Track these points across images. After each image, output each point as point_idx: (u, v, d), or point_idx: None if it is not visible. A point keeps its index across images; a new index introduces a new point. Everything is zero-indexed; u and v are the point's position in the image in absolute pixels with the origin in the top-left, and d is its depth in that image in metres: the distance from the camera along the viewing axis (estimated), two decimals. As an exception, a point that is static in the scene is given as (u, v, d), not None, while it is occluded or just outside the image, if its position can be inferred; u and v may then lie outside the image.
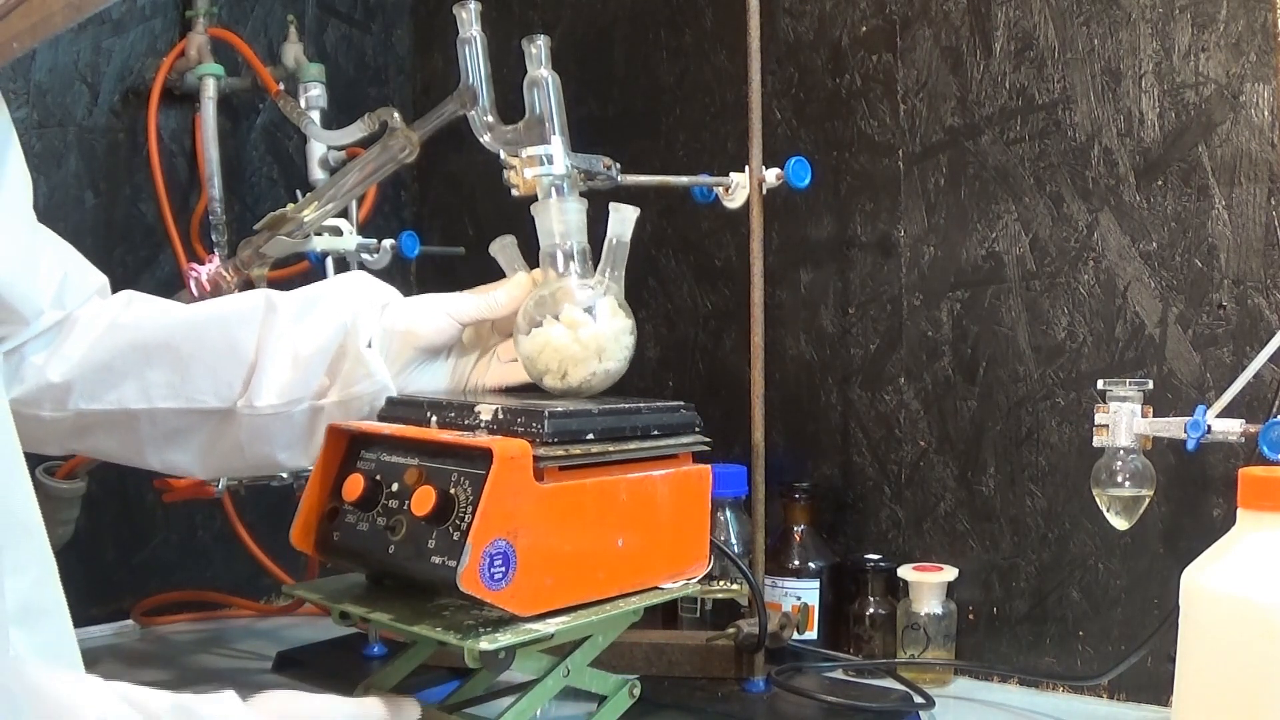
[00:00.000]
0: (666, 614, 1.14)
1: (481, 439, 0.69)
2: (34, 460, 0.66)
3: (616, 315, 0.83)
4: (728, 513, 1.10)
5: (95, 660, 1.15)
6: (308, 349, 0.85)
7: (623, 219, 0.85)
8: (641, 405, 0.77)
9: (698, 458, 0.80)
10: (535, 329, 0.82)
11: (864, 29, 1.16)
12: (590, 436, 0.72)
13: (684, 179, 1.00)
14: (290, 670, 1.11)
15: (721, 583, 1.08)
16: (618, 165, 0.87)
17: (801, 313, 1.21)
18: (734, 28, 1.10)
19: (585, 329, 0.81)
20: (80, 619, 0.61)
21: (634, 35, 1.33)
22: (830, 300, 1.19)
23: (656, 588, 0.76)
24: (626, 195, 0.88)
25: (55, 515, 1.12)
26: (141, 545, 1.32)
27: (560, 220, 0.83)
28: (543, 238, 0.84)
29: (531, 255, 0.87)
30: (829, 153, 1.18)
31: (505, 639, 0.66)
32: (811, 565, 1.12)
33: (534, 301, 0.83)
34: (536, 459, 0.69)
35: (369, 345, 0.85)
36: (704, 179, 1.00)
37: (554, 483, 0.70)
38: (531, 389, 0.85)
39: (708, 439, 0.80)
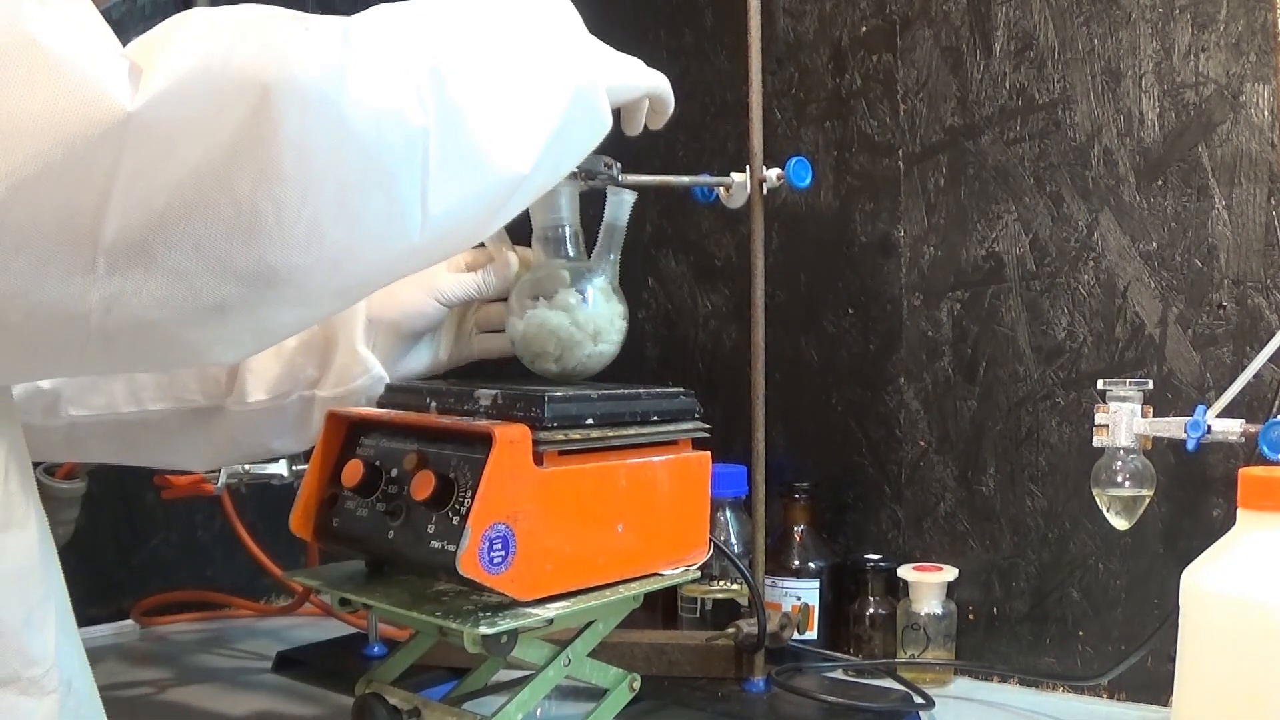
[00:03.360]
0: (666, 614, 1.14)
1: (481, 423, 0.70)
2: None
3: (611, 299, 0.83)
4: (728, 513, 1.10)
5: (95, 660, 1.15)
6: (292, 340, 0.85)
7: (620, 203, 0.85)
8: (641, 391, 0.77)
9: (697, 444, 0.80)
10: (530, 311, 0.82)
11: (864, 29, 1.16)
12: (590, 421, 0.73)
13: (684, 179, 1.00)
14: (291, 670, 1.11)
15: (721, 583, 1.09)
16: (618, 164, 0.87)
17: (801, 313, 1.21)
18: (734, 28, 1.10)
19: (581, 311, 0.81)
20: (80, 619, 0.60)
21: (634, 35, 1.33)
22: (830, 300, 1.19)
23: (656, 574, 0.76)
24: (635, 192, 0.88)
25: (55, 515, 1.12)
26: (141, 545, 1.32)
27: (554, 203, 0.83)
28: (536, 220, 0.84)
29: (521, 239, 0.87)
30: (829, 153, 1.18)
31: (505, 623, 0.66)
32: (811, 565, 1.12)
33: (528, 283, 0.83)
34: (536, 443, 0.69)
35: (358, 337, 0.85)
36: (704, 179, 1.00)
37: (553, 467, 0.70)
38: (517, 366, 0.85)
39: (707, 425, 0.80)
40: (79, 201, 0.46)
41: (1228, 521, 0.71)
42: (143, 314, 0.49)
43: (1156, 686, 0.96)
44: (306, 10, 0.54)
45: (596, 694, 0.78)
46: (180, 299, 0.49)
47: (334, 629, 1.22)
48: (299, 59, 0.50)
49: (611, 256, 0.85)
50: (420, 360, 0.89)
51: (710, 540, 0.80)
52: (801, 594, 1.12)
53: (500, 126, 0.59)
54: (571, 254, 0.84)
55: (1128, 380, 0.91)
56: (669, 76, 0.79)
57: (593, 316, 0.81)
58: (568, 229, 0.84)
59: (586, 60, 0.68)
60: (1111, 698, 1.00)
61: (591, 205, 0.88)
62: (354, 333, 0.84)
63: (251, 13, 0.52)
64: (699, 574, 0.79)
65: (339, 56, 0.51)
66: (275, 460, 1.06)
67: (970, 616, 1.09)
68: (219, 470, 1.14)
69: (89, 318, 0.48)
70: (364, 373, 0.84)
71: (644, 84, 0.76)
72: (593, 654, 0.76)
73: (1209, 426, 0.86)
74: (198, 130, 0.48)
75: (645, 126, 0.81)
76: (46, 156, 0.45)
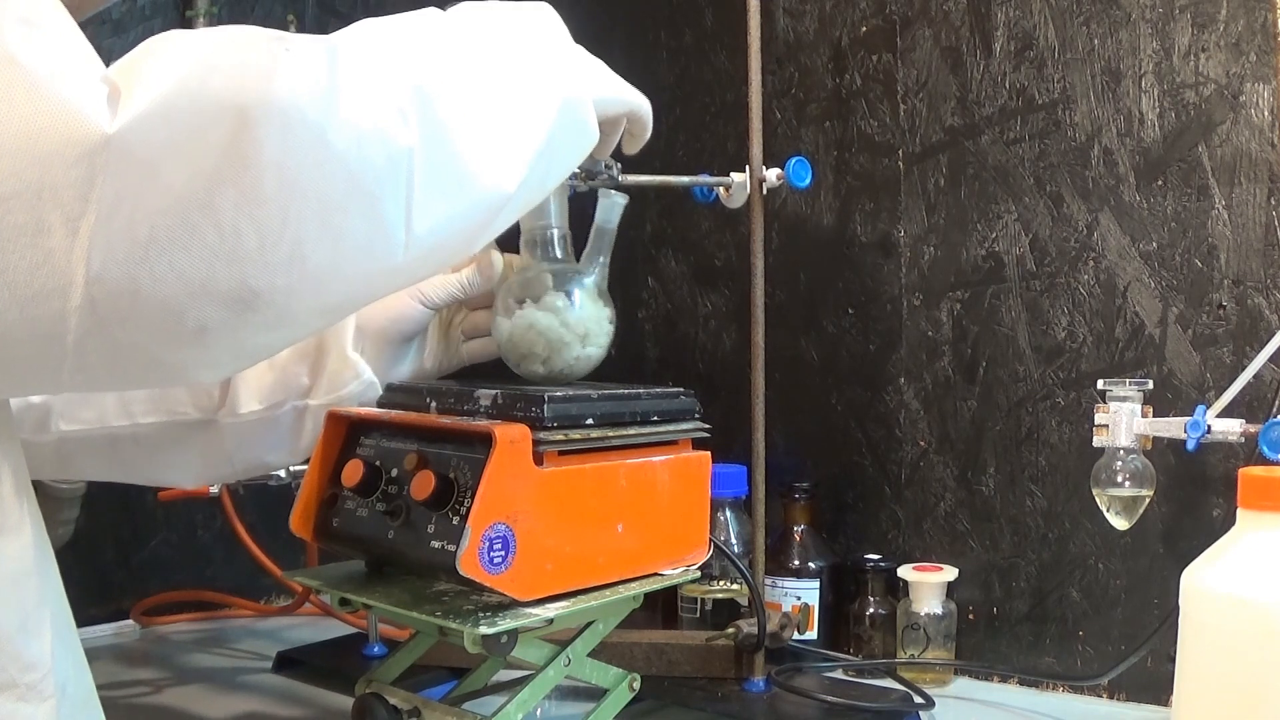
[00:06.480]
0: (666, 614, 1.14)
1: (481, 423, 0.70)
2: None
3: (599, 302, 0.83)
4: (728, 513, 1.10)
5: (95, 660, 1.15)
6: (285, 349, 0.84)
7: (611, 205, 0.85)
8: (641, 391, 0.77)
9: (697, 444, 0.80)
10: (518, 312, 0.82)
11: (864, 29, 1.16)
12: (590, 421, 0.73)
13: (684, 179, 1.00)
14: (290, 670, 1.11)
15: (721, 583, 1.09)
16: (618, 165, 0.87)
17: (801, 313, 1.21)
18: (734, 28, 1.10)
19: (570, 313, 0.81)
20: (80, 619, 0.60)
21: (634, 35, 1.33)
22: (830, 300, 1.19)
23: (656, 574, 0.76)
24: (627, 195, 0.88)
25: (55, 515, 1.12)
26: (141, 545, 1.32)
27: (542, 206, 0.83)
28: (524, 223, 0.84)
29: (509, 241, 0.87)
30: (829, 153, 1.18)
31: (505, 623, 0.66)
32: (811, 565, 1.12)
33: (516, 284, 0.83)
34: (536, 443, 0.69)
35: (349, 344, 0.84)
36: (704, 179, 1.00)
37: (553, 467, 0.70)
38: (502, 369, 0.85)
39: (707, 425, 0.80)
40: (55, 222, 0.45)
41: (1228, 521, 0.71)
42: (123, 338, 0.49)
43: (1156, 686, 0.97)
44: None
45: (596, 694, 0.78)
46: (161, 323, 0.49)
47: (334, 629, 1.22)
48: (279, 80, 0.49)
49: (601, 259, 0.85)
50: (404, 368, 0.88)
51: (710, 540, 0.80)
52: (801, 594, 1.12)
53: (486, 144, 0.58)
54: (559, 256, 0.83)
55: (1128, 380, 0.91)
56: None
57: (582, 318, 0.81)
58: (555, 231, 0.83)
59: (573, 72, 0.68)
60: (1111, 698, 1.00)
61: (587, 207, 0.87)
62: (344, 339, 0.84)
63: (231, 33, 0.52)
64: (699, 574, 0.79)
65: (321, 76, 0.51)
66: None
67: (970, 616, 1.09)
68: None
69: (66, 338, 0.48)
70: (355, 378, 0.84)
71: (629, 99, 0.75)
72: (593, 654, 0.76)
73: (1209, 426, 0.86)
74: (179, 154, 0.47)
75: (620, 149, 0.80)
76: (23, 174, 0.45)
